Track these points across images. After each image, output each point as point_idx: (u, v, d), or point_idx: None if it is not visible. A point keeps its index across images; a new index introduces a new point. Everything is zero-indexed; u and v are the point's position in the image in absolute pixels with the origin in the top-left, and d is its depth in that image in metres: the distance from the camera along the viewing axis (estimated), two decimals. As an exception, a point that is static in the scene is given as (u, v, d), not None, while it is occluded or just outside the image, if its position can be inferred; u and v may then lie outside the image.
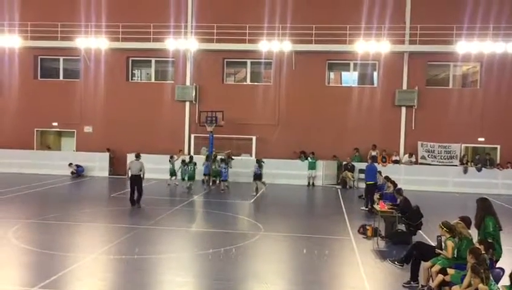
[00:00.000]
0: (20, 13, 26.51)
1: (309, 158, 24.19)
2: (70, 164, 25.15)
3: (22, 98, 27.11)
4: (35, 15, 26.15)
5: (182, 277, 9.27)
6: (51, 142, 28.13)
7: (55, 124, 27.19)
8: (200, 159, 22.59)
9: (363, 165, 22.82)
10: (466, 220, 8.76)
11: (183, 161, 21.55)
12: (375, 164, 19.56)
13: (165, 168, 22.56)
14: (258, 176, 20.83)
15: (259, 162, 21.21)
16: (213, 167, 22.43)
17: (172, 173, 22.10)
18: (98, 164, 25.67)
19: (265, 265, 10.24)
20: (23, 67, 27.25)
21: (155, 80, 27.59)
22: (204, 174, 22.45)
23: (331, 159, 24.74)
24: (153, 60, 27.24)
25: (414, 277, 8.97)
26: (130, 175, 16.49)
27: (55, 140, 28.37)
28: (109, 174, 25.44)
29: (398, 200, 13.01)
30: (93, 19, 25.96)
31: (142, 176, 16.53)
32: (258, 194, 20.17)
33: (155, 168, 23.75)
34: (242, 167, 23.13)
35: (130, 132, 25.99)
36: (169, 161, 22.32)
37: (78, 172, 24.91)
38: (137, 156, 17.00)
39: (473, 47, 23.42)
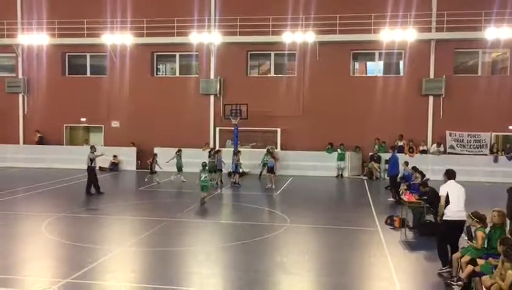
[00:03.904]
0: (48, 12, 27.06)
1: (338, 150, 24.05)
2: (114, 156, 25.82)
3: (50, 94, 27.73)
4: (62, 13, 26.66)
5: (209, 268, 9.38)
6: (80, 137, 28.68)
7: (83, 119, 27.75)
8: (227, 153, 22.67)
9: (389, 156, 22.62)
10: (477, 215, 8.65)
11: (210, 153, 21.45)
12: (397, 154, 19.14)
13: (191, 162, 22.69)
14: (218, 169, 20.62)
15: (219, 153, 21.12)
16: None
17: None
18: (125, 158, 26.12)
19: (292, 257, 10.25)
20: (52, 64, 27.83)
21: (179, 74, 27.80)
22: (233, 172, 21.21)
23: (353, 150, 24.53)
24: (177, 54, 27.46)
25: (445, 262, 9.02)
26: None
27: (84, 135, 28.92)
28: (137, 168, 25.84)
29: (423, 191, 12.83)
30: (119, 15, 26.30)
31: (90, 165, 17.68)
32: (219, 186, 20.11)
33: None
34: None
35: (156, 126, 26.33)
36: (176, 154, 21.88)
37: (112, 169, 25.55)
38: (91, 147, 18.31)
39: (502, 33, 22.74)
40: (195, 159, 21.88)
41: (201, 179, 16.09)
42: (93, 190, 17.75)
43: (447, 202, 9.01)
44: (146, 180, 20.87)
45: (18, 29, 27.54)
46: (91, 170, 17.79)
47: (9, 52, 28.10)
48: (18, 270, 9.15)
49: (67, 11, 26.64)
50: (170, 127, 26.19)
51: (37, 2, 27.24)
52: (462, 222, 9.06)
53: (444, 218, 9.06)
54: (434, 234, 11.35)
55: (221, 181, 20.67)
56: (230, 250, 10.72)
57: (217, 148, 23.38)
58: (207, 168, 16.74)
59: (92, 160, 17.80)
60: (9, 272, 8.94)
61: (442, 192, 9.18)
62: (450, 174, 9.44)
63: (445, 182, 9.38)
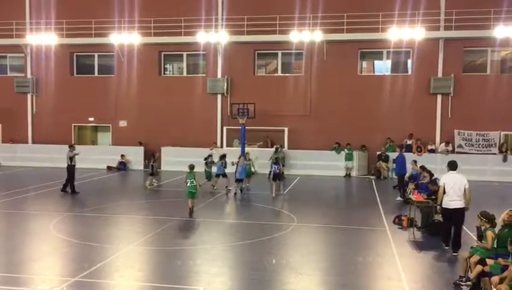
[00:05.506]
0: (56, 12, 27.24)
1: (346, 149, 23.97)
2: (122, 156, 26.02)
3: (59, 94, 27.92)
4: (70, 13, 26.83)
5: (217, 267, 9.38)
6: (88, 137, 28.83)
7: (91, 119, 27.88)
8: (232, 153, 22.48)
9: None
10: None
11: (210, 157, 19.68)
12: (405, 154, 18.88)
13: (198, 161, 22.66)
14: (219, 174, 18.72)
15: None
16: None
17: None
18: (133, 158, 26.20)
19: (300, 256, 10.23)
20: (60, 64, 28.00)
21: (187, 73, 27.85)
22: (237, 180, 18.37)
23: (359, 150, 24.45)
24: (185, 53, 27.51)
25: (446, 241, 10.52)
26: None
27: (92, 135, 29.07)
28: (144, 168, 25.89)
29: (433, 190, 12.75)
30: (126, 15, 26.40)
31: (70, 163, 17.84)
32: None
33: (188, 161, 23.93)
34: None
35: (163, 126, 26.41)
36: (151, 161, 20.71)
37: (120, 169, 25.64)
38: (70, 146, 18.45)
39: (511, 31, 22.57)
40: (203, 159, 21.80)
41: (188, 184, 14.01)
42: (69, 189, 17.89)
43: (445, 191, 10.26)
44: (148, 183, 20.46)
45: (27, 29, 27.74)
46: (70, 169, 17.90)
47: (18, 52, 28.33)
48: (27, 269, 9.20)
49: (75, 11, 26.80)
50: (177, 126, 26.25)
51: (45, 2, 27.45)
52: (454, 210, 10.17)
53: (442, 205, 10.40)
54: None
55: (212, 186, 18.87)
56: (238, 249, 10.72)
57: (213, 149, 22.90)
58: (194, 170, 14.45)
59: (71, 158, 17.95)
60: (18, 271, 9.00)
61: (440, 182, 10.49)
62: (450, 165, 10.59)
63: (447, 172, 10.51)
